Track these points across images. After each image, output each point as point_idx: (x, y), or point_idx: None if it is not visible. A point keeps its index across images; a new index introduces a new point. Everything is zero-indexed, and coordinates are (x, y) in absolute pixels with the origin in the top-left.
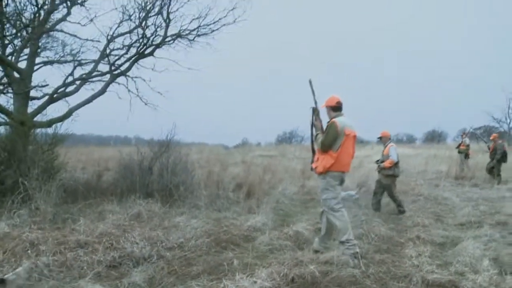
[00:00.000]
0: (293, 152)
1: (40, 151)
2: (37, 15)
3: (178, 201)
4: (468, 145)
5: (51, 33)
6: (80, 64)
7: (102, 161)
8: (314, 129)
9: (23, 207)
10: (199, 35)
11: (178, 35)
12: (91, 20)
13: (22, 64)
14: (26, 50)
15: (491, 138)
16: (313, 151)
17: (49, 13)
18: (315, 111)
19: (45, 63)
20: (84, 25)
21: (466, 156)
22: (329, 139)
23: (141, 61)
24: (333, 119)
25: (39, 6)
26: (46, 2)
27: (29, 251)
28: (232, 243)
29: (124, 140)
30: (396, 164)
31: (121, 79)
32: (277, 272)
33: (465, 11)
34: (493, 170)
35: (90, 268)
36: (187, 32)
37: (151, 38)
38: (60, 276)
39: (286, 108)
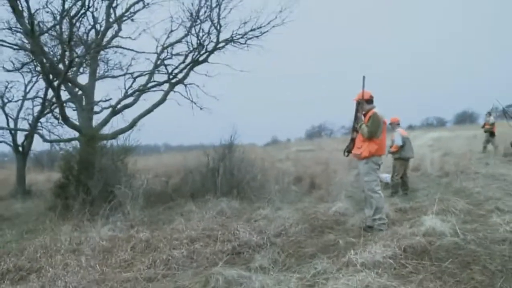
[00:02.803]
0: (330, 145)
1: (111, 162)
2: (89, 33)
3: (251, 197)
4: (492, 124)
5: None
6: (137, 76)
7: (150, 169)
8: (356, 120)
9: (115, 213)
10: (249, 38)
11: (231, 40)
12: (140, 34)
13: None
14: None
15: None
16: (352, 140)
17: (105, 30)
18: (359, 104)
19: (100, 78)
20: (134, 39)
21: (492, 134)
22: (375, 127)
23: (195, 68)
24: (373, 110)
25: (93, 24)
26: (97, 21)
27: (161, 245)
28: (326, 227)
29: (153, 148)
30: (402, 147)
31: (177, 87)
32: (388, 245)
33: None
34: None
35: (217, 257)
36: (238, 36)
37: (205, 45)
38: (194, 265)
39: (311, 105)
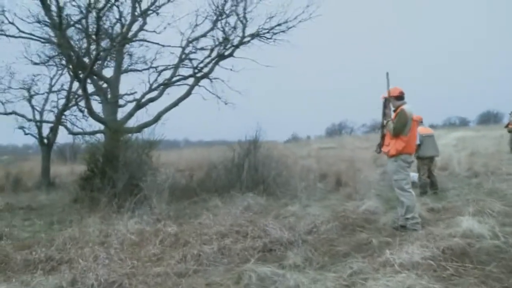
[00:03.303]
0: (352, 143)
1: (136, 155)
2: (114, 27)
3: (277, 193)
4: None
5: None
6: (162, 70)
7: (172, 163)
8: (384, 116)
9: (141, 206)
10: (275, 33)
11: (257, 35)
12: (165, 28)
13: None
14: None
15: None
16: (382, 137)
17: (130, 24)
18: (387, 101)
19: (125, 72)
20: (159, 33)
21: None
22: (401, 125)
23: (220, 62)
24: (401, 107)
25: (118, 18)
26: (123, 15)
27: (190, 240)
28: (357, 226)
29: (173, 143)
30: (419, 146)
31: (202, 81)
32: (426, 245)
33: None
34: None
35: (248, 253)
36: (264, 31)
37: (231, 39)
38: (225, 262)
39: (331, 102)
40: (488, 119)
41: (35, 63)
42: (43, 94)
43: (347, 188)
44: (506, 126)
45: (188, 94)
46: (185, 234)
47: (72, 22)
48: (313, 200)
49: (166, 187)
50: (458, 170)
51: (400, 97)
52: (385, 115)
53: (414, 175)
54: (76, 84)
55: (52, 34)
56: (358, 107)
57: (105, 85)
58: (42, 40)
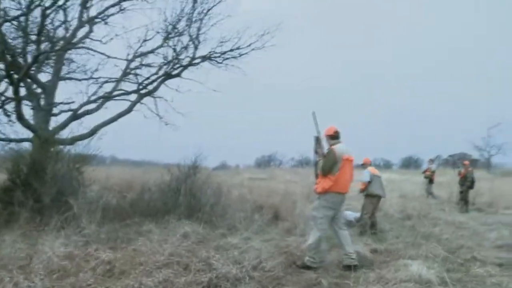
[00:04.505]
0: (282, 175)
1: (67, 169)
2: (56, 30)
3: (215, 222)
4: (433, 171)
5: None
6: (104, 82)
7: (99, 180)
8: (316, 155)
9: (68, 226)
10: (226, 58)
11: (208, 57)
12: (112, 38)
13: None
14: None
15: (464, 163)
16: (316, 176)
17: (76, 29)
18: (317, 140)
19: (64, 79)
20: (105, 43)
21: (431, 181)
22: (329, 164)
23: (166, 82)
24: (332, 147)
25: (63, 21)
26: (68, 18)
27: (127, 270)
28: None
29: (99, 160)
30: (369, 183)
31: (145, 99)
32: None
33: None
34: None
35: None
36: (216, 55)
37: (181, 59)
38: None
39: (264, 134)
40: (410, 163)
41: None
42: None
43: (286, 222)
44: (423, 172)
45: (129, 110)
46: (120, 262)
47: (9, 18)
48: (252, 233)
49: (99, 206)
50: (392, 212)
51: (334, 136)
52: (317, 153)
53: (350, 214)
54: (4, 85)
55: None
56: (288, 141)
57: (39, 91)
58: None
